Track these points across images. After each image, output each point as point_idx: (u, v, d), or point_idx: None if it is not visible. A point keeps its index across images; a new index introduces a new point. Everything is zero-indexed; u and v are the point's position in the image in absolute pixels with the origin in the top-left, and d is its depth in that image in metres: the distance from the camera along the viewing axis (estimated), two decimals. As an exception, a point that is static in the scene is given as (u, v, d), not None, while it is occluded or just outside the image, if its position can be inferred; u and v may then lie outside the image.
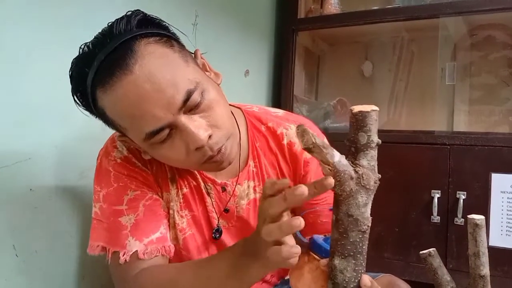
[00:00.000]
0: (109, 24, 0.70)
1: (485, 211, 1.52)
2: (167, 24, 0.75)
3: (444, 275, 0.76)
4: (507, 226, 1.52)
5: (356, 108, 0.56)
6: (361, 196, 0.57)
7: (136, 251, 0.76)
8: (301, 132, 0.53)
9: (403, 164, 1.68)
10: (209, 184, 0.87)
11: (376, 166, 0.59)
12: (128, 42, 0.67)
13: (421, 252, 0.75)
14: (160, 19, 0.74)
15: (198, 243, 0.87)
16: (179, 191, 0.85)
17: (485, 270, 0.72)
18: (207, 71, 0.79)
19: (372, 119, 0.56)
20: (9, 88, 0.89)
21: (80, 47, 0.71)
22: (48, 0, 0.95)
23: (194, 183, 0.86)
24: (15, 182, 0.90)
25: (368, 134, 0.56)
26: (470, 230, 0.71)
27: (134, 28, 0.69)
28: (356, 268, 0.59)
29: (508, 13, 1.70)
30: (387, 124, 2.09)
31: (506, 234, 1.52)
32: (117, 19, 0.69)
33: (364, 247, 0.60)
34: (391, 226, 1.69)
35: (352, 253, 0.59)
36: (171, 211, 0.85)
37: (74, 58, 0.72)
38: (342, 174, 0.55)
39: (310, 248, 0.74)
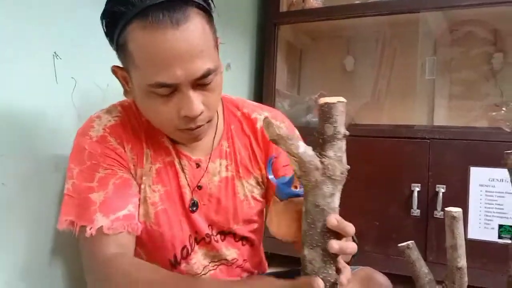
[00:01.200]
0: None
1: (464, 204, 1.54)
2: (213, 4, 0.80)
3: (422, 267, 0.77)
4: (485, 219, 1.54)
5: (323, 100, 0.56)
6: (327, 187, 0.57)
7: (102, 226, 0.78)
8: (267, 124, 0.54)
9: (383, 158, 1.69)
10: (184, 160, 0.90)
11: (345, 157, 0.59)
12: (184, 3, 0.72)
13: (399, 245, 0.76)
14: None
15: (170, 218, 0.89)
16: (153, 166, 0.88)
17: (462, 262, 0.73)
18: None
19: (338, 111, 0.56)
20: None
21: None
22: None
23: (168, 159, 0.89)
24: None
25: (335, 125, 0.56)
26: (448, 223, 0.72)
27: None
28: (325, 259, 0.59)
29: (488, 9, 1.72)
30: (369, 118, 2.10)
31: (485, 227, 1.54)
32: None
33: (332, 237, 0.59)
34: (371, 220, 1.70)
35: (320, 244, 0.59)
36: (142, 186, 0.87)
37: None
38: (307, 165, 0.55)
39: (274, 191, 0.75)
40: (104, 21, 0.77)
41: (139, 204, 0.87)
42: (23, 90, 0.96)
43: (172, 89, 0.74)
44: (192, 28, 0.72)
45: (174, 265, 0.91)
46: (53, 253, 1.04)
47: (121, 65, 0.81)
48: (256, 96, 2.08)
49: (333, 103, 0.56)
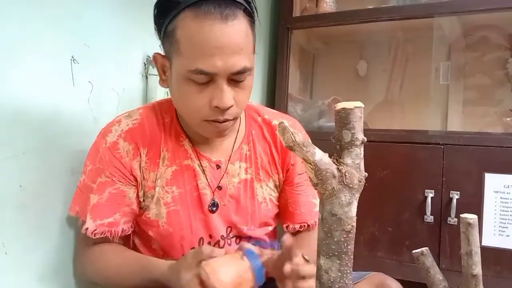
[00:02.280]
0: None
1: (478, 211, 1.52)
2: (257, 14, 0.86)
3: (437, 274, 0.76)
4: (500, 226, 1.52)
5: (340, 105, 0.56)
6: (344, 195, 0.56)
7: (87, 228, 0.88)
8: (282, 130, 0.53)
9: (397, 164, 1.68)
10: (205, 161, 0.94)
11: (362, 164, 0.58)
12: (235, 4, 0.78)
13: (413, 251, 0.75)
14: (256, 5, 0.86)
15: (181, 219, 0.92)
16: (168, 168, 0.92)
17: (477, 270, 0.72)
18: None
19: (356, 116, 0.55)
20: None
21: None
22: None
23: (186, 162, 0.93)
24: (4, 179, 0.90)
25: (352, 131, 0.56)
26: (463, 229, 0.70)
27: None
28: (341, 268, 0.58)
29: (503, 14, 1.70)
30: (382, 123, 2.08)
31: (499, 234, 1.52)
32: None
33: (349, 247, 0.58)
34: (385, 226, 1.69)
35: (336, 253, 0.58)
36: (157, 188, 0.91)
37: None
38: (324, 173, 0.54)
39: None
40: (157, 8, 0.83)
41: (141, 206, 0.93)
42: (41, 93, 0.97)
43: (209, 78, 0.79)
44: (238, 27, 0.78)
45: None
46: (70, 255, 1.05)
47: (162, 54, 0.86)
48: (269, 101, 2.08)
49: (351, 109, 0.55)
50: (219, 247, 0.95)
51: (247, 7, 0.81)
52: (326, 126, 1.93)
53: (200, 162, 0.93)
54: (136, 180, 0.91)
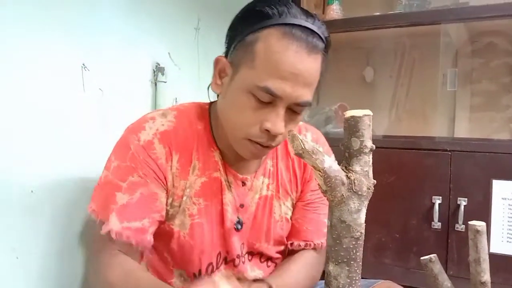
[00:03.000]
0: (314, 14, 0.82)
1: (486, 218, 1.52)
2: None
3: (445, 281, 0.76)
4: (508, 233, 1.52)
5: (349, 113, 0.56)
6: (353, 202, 0.56)
7: (112, 229, 0.79)
8: (291, 137, 0.54)
9: (404, 170, 1.68)
10: (231, 177, 0.91)
11: (371, 172, 0.59)
12: (319, 39, 0.79)
13: (422, 258, 0.75)
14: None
15: (204, 232, 0.88)
16: (198, 179, 0.88)
17: (486, 277, 0.72)
18: None
19: (364, 124, 0.56)
20: (7, 93, 0.89)
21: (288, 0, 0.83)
22: (50, 1, 0.96)
23: (215, 174, 0.90)
24: (16, 184, 0.91)
25: (361, 139, 0.56)
26: (471, 236, 0.71)
27: (324, 35, 0.81)
28: (350, 275, 0.59)
29: (509, 20, 1.70)
30: (388, 129, 2.08)
31: (507, 241, 1.51)
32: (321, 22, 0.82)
33: (358, 253, 0.59)
34: (392, 232, 1.68)
35: (345, 260, 0.58)
36: (184, 198, 0.87)
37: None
38: (333, 180, 0.55)
39: None
40: (242, 15, 0.83)
41: (168, 215, 0.87)
42: (52, 100, 0.98)
43: (271, 100, 0.78)
44: (316, 62, 0.79)
45: (197, 279, 0.91)
46: (79, 259, 1.06)
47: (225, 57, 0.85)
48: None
49: (359, 117, 0.56)
50: (234, 265, 0.93)
51: (327, 47, 0.82)
52: (332, 132, 1.94)
53: (227, 177, 0.91)
54: (167, 184, 0.86)
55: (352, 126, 0.56)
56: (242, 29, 0.81)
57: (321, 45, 0.79)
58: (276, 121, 0.78)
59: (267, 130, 0.79)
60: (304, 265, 0.97)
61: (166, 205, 0.87)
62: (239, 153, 0.86)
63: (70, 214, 1.03)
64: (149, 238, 0.83)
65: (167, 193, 0.86)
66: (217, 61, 0.86)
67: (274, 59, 0.76)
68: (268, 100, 0.78)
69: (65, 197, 1.02)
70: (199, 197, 0.88)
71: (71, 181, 1.03)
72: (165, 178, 0.85)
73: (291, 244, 0.99)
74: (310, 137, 1.02)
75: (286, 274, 0.93)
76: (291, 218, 0.99)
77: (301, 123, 1.02)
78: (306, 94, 0.79)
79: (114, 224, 0.80)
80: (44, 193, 0.96)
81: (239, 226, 0.91)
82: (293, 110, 0.80)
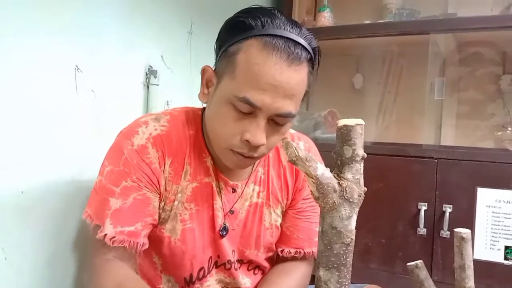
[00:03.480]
0: (300, 24, 0.82)
1: (471, 225, 1.54)
2: (318, 64, 0.85)
3: (431, 286, 0.77)
4: (491, 240, 1.55)
5: (342, 122, 0.58)
6: (345, 209, 0.58)
7: (106, 234, 0.80)
8: (285, 145, 0.55)
9: (391, 176, 1.70)
10: (222, 183, 0.91)
11: (362, 180, 0.60)
12: (303, 50, 0.78)
13: (408, 264, 0.76)
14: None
15: (196, 237, 0.89)
16: (190, 184, 0.88)
17: (470, 283, 0.73)
18: None
19: (357, 133, 0.57)
20: (0, 90, 0.89)
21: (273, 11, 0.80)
22: (44, 2, 0.96)
23: (206, 179, 0.90)
24: (6, 185, 0.90)
25: (353, 148, 0.58)
26: (457, 243, 0.72)
27: (311, 46, 0.80)
28: (340, 280, 0.60)
29: (497, 32, 1.74)
30: (376, 136, 2.11)
31: (490, 248, 1.54)
32: (308, 31, 0.82)
33: (348, 259, 0.60)
34: (378, 237, 1.70)
35: (336, 265, 0.59)
36: (175, 202, 0.87)
37: (262, 8, 0.81)
38: (325, 187, 0.56)
39: None
40: (227, 25, 0.83)
41: (158, 220, 0.87)
42: (45, 101, 0.98)
43: (251, 111, 0.77)
44: (298, 73, 0.77)
45: (188, 283, 0.92)
46: (70, 261, 1.06)
47: (213, 69, 0.85)
48: (266, 111, 2.09)
49: (352, 126, 0.57)
50: (225, 269, 0.94)
51: (312, 57, 0.81)
52: (321, 137, 1.95)
53: (218, 183, 0.91)
54: (160, 188, 0.86)
55: (345, 134, 0.58)
56: (226, 39, 0.81)
57: (305, 55, 0.78)
58: (256, 132, 0.78)
59: (247, 141, 0.78)
60: (295, 280, 0.97)
61: (159, 208, 0.87)
62: (224, 163, 0.87)
63: (61, 215, 1.02)
64: (143, 241, 0.83)
65: (160, 197, 0.87)
66: (203, 71, 0.86)
67: (253, 70, 0.75)
68: (248, 111, 0.77)
69: (57, 198, 1.02)
70: (191, 202, 0.88)
71: (63, 182, 1.03)
72: (158, 182, 0.85)
73: (282, 251, 1.00)
74: (302, 146, 1.02)
75: None
76: (281, 226, 1.00)
77: (293, 131, 1.03)
78: (287, 106, 0.77)
79: (108, 229, 0.80)
80: (35, 194, 0.96)
81: (224, 233, 0.91)
82: (276, 122, 0.80)
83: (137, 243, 0.82)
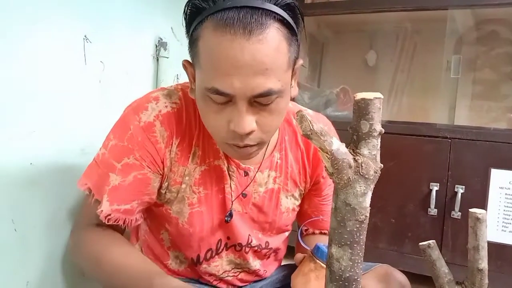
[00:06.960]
0: None
1: (483, 206, 1.53)
2: (301, 21, 0.73)
3: (442, 267, 0.76)
4: (503, 222, 1.53)
5: (359, 95, 0.55)
6: (360, 186, 0.56)
7: (102, 211, 0.79)
8: (300, 118, 0.52)
9: (403, 156, 1.68)
10: (233, 166, 0.86)
11: (379, 156, 0.58)
12: (266, 14, 0.66)
13: (420, 244, 0.75)
14: (302, 12, 0.72)
15: (204, 221, 0.87)
16: (198, 167, 0.84)
17: (484, 264, 0.72)
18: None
19: (375, 107, 0.55)
20: (8, 63, 0.87)
21: None
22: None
23: (216, 162, 0.85)
24: (15, 156, 0.90)
25: (371, 122, 0.55)
26: (471, 224, 0.70)
27: (279, 4, 0.67)
28: (353, 258, 0.59)
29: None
30: (389, 115, 2.08)
31: (502, 230, 1.53)
32: None
33: (361, 237, 0.59)
34: (388, 217, 1.69)
35: (349, 242, 0.58)
36: (183, 185, 0.84)
37: None
38: (340, 162, 0.54)
39: (315, 255, 0.81)
40: (184, 11, 0.72)
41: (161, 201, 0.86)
42: (53, 72, 0.96)
43: (227, 99, 0.69)
44: (264, 43, 0.65)
45: (195, 263, 0.91)
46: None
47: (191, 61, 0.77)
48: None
49: (370, 99, 0.54)
50: (235, 250, 0.92)
51: (285, 17, 0.68)
52: (333, 115, 1.93)
53: (229, 166, 0.86)
54: (164, 169, 0.82)
55: (362, 108, 0.55)
56: (187, 28, 0.73)
57: (270, 18, 0.66)
58: (239, 121, 0.69)
59: (235, 131, 0.71)
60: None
61: (162, 188, 0.84)
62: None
63: (69, 187, 1.02)
64: (136, 217, 0.83)
65: (162, 177, 0.83)
66: (184, 67, 0.79)
67: (211, 55, 0.67)
68: (222, 100, 0.69)
69: (65, 170, 1.01)
70: (199, 186, 0.85)
71: (71, 154, 1.02)
72: (162, 162, 0.81)
73: (306, 230, 1.02)
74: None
75: None
76: (304, 208, 1.00)
77: (310, 111, 0.96)
78: (263, 84, 0.67)
79: (105, 206, 0.79)
80: (43, 166, 0.95)
81: (228, 218, 0.88)
82: (260, 103, 0.70)
83: (131, 220, 0.82)
